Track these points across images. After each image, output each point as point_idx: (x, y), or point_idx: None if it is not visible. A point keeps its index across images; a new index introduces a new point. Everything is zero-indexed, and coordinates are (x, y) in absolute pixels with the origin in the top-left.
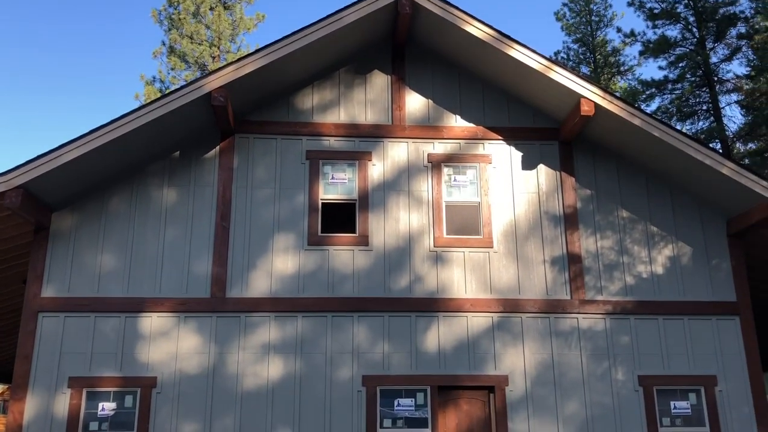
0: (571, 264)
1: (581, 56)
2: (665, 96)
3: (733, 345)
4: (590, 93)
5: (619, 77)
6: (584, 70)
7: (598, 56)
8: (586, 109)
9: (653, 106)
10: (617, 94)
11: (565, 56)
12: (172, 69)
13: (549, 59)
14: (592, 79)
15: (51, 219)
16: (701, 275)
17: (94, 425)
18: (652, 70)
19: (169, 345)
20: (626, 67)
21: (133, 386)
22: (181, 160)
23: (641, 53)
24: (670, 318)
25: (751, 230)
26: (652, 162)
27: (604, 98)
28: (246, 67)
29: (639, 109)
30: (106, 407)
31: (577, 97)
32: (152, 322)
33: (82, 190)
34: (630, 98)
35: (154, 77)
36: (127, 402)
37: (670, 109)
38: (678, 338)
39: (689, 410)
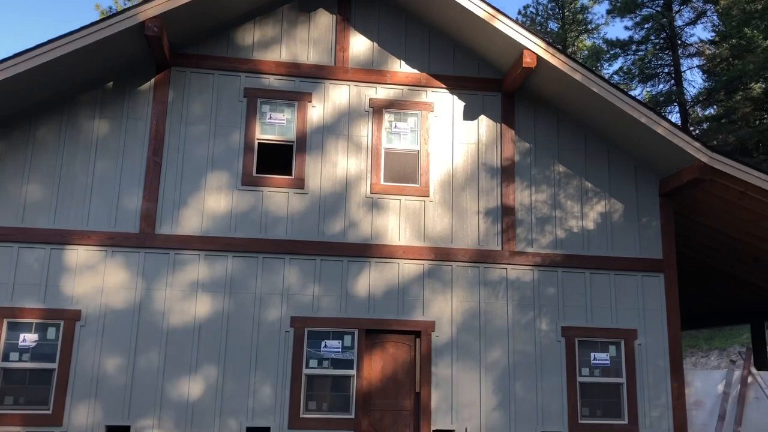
0: (505, 216)
1: (550, 11)
2: (629, 56)
3: (655, 301)
4: (533, 45)
5: (586, 35)
6: (552, 26)
7: (567, 13)
8: (528, 60)
9: (615, 66)
10: (561, 48)
11: (534, 11)
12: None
13: (494, 8)
14: (539, 32)
15: None
16: (631, 232)
17: (14, 356)
18: (618, 29)
19: (95, 279)
20: (593, 26)
21: (56, 318)
22: (114, 92)
23: (608, 12)
24: (597, 272)
25: (681, 190)
26: (591, 118)
27: (546, 51)
28: None
29: (581, 63)
30: (28, 338)
31: (521, 49)
32: (78, 255)
33: (8, 116)
34: (594, 57)
35: (110, 8)
36: (49, 334)
37: (632, 71)
38: (603, 292)
39: (608, 362)
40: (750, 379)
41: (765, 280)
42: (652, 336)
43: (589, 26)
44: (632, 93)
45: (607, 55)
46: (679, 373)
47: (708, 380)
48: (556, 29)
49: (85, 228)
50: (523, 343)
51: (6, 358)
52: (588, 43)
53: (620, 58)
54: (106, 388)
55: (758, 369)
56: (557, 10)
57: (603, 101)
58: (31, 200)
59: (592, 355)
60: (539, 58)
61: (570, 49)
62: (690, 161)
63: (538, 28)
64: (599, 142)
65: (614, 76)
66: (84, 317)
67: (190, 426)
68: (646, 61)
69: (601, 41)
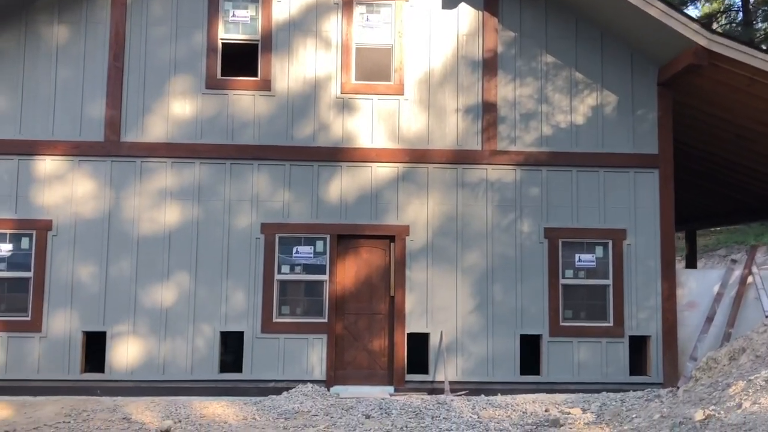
0: (486, 113)
1: None
2: None
3: (648, 199)
4: None
5: None
6: None
7: None
8: None
9: None
10: None
11: None
12: None
13: None
14: None
15: None
16: (624, 126)
17: None
18: None
19: (64, 189)
20: None
21: (28, 229)
22: None
23: None
24: (585, 170)
25: (680, 78)
26: (582, 2)
27: None
28: None
29: None
30: (3, 248)
31: None
32: (46, 165)
33: None
34: None
35: None
36: (23, 244)
37: None
38: (591, 191)
39: (594, 263)
40: (750, 279)
41: None
42: (642, 236)
43: None
44: None
45: None
46: (671, 274)
47: (704, 280)
48: None
49: (50, 138)
50: (503, 246)
51: None
52: None
53: None
54: (82, 295)
55: None
56: None
57: None
58: None
59: (577, 256)
60: None
61: None
62: (688, 45)
63: None
64: (591, 29)
65: None
66: (55, 227)
67: (164, 331)
68: None
69: None
